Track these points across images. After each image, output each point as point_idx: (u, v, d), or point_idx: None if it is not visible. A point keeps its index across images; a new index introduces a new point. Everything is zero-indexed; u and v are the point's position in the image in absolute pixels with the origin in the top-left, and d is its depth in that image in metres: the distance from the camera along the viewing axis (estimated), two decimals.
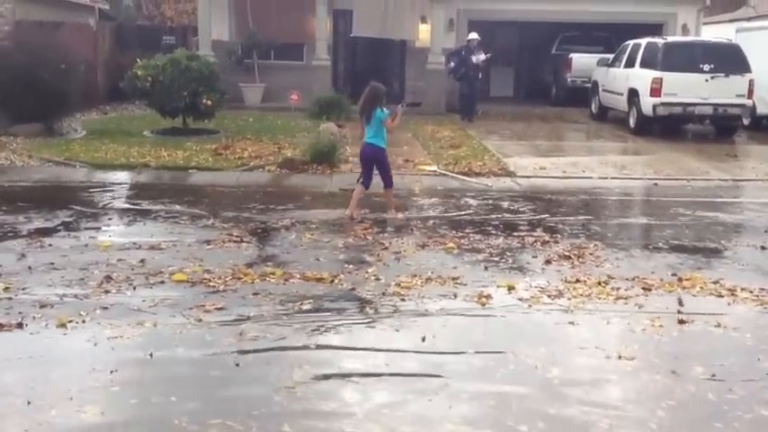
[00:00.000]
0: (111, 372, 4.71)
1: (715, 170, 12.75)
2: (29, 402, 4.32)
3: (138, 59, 15.08)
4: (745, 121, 16.97)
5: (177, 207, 9.43)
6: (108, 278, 6.46)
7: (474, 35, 18.40)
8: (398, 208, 9.26)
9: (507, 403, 4.47)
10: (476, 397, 4.53)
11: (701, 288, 6.59)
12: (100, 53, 19.94)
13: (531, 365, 4.97)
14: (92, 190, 10.62)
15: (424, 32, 20.33)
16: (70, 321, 5.48)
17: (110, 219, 8.97)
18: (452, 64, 18.28)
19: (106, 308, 5.80)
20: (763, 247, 8.01)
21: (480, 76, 18.57)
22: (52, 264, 6.85)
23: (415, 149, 13.85)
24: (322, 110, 17.14)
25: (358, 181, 9.24)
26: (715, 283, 6.70)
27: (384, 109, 8.98)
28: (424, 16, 20.19)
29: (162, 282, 6.46)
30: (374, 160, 9.08)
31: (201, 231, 8.25)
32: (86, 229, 8.33)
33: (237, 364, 4.90)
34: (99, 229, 8.40)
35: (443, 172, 11.85)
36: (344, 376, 4.76)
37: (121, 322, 5.49)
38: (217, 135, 14.71)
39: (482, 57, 17.98)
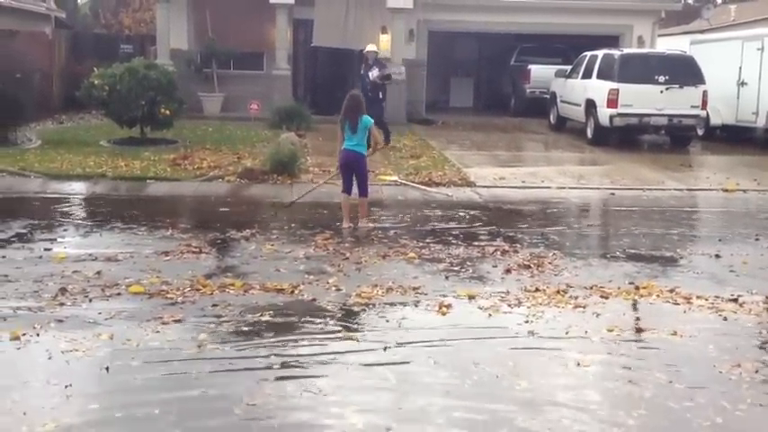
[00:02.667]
0: (66, 386, 4.61)
1: (670, 180, 12.97)
2: None
3: (95, 68, 14.88)
4: (700, 132, 17.33)
5: (134, 218, 9.30)
6: (63, 290, 6.34)
7: (370, 47, 15.61)
8: (370, 218, 9.27)
9: (475, 413, 4.47)
10: (444, 409, 4.53)
11: (658, 296, 6.68)
12: (56, 62, 19.63)
13: (493, 375, 4.98)
14: (47, 201, 10.43)
15: (384, 43, 20.38)
16: (24, 334, 5.36)
17: (65, 230, 8.81)
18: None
19: (61, 320, 5.68)
20: (717, 256, 8.16)
21: (381, 95, 15.08)
22: (6, 276, 6.70)
23: (376, 159, 13.85)
24: (282, 119, 17.07)
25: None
26: (671, 291, 6.80)
27: (369, 117, 9.16)
28: (385, 26, 20.25)
29: (118, 294, 6.35)
30: (354, 167, 9.15)
31: (159, 242, 8.15)
32: (41, 240, 8.17)
33: (196, 378, 4.83)
34: (54, 240, 8.24)
35: (404, 182, 11.87)
36: (305, 390, 4.72)
37: (77, 335, 5.39)
38: (175, 145, 14.56)
39: (375, 72, 14.91)
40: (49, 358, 5.03)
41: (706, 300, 6.59)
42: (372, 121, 9.19)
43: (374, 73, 14.90)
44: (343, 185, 9.26)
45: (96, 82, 14.19)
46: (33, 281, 6.60)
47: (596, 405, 4.63)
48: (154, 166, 12.50)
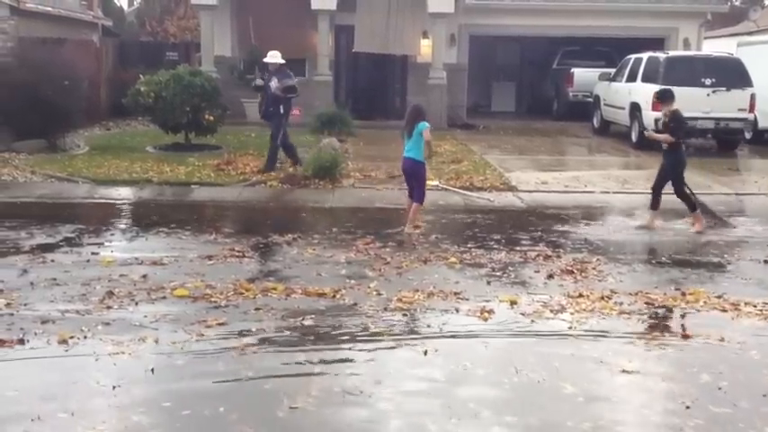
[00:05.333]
0: (114, 387, 4.70)
1: (717, 184, 12.74)
2: (32, 420, 4.30)
3: (141, 75, 15.12)
4: (747, 135, 16.99)
5: (179, 222, 9.43)
6: (110, 294, 6.45)
7: (272, 56, 13.00)
8: (417, 226, 9.22)
9: (520, 416, 4.45)
10: (491, 414, 4.51)
11: (705, 302, 6.57)
12: (103, 69, 20.00)
13: (534, 379, 4.95)
14: (94, 206, 10.63)
15: (425, 48, 20.39)
16: (72, 337, 5.47)
17: (112, 234, 8.97)
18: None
19: (108, 323, 5.79)
20: (766, 261, 7.99)
21: (282, 110, 12.74)
22: (54, 279, 6.84)
23: None
24: (324, 125, 17.18)
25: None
26: (718, 297, 6.68)
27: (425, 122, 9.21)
28: (426, 31, 20.25)
29: (164, 297, 6.45)
30: (410, 173, 9.31)
31: (203, 246, 8.25)
32: (88, 244, 8.33)
33: (240, 381, 4.88)
34: (101, 244, 8.39)
35: (445, 187, 11.85)
36: (347, 393, 4.74)
37: (123, 338, 5.48)
38: (219, 150, 14.72)
39: (274, 83, 12.65)
40: (96, 360, 5.13)
41: (754, 306, 6.47)
42: (426, 125, 9.11)
43: (273, 84, 12.76)
44: (408, 191, 9.45)
45: (142, 89, 14.41)
46: (81, 284, 6.73)
47: (642, 409, 4.57)
48: (198, 171, 12.66)
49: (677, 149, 9.59)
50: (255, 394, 4.71)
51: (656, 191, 9.76)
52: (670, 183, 9.67)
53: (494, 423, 4.40)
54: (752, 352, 5.52)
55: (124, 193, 11.43)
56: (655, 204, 9.77)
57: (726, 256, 8.42)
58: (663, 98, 9.90)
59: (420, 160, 9.22)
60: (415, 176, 9.30)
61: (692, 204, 9.64)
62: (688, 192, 9.68)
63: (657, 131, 10.08)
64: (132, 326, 5.75)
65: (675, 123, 9.57)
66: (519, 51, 25.43)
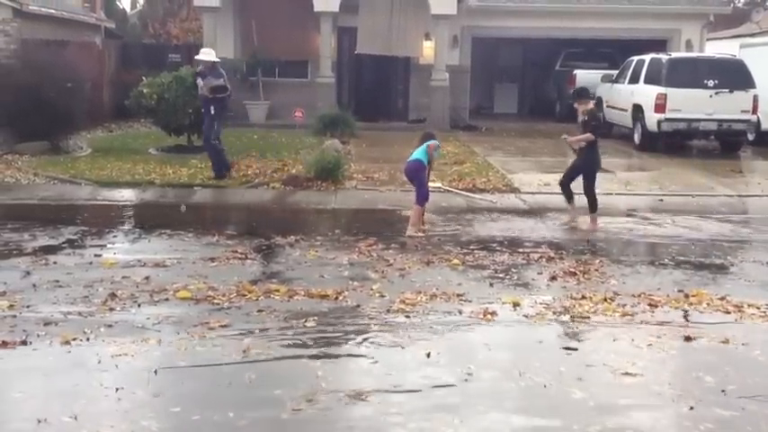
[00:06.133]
0: (117, 390, 4.69)
1: (720, 186, 12.72)
2: (38, 421, 4.29)
3: (144, 77, 15.13)
4: (750, 137, 16.98)
5: (181, 224, 9.43)
6: (112, 295, 6.45)
7: (205, 54, 12.61)
8: (421, 229, 9.14)
9: (526, 417, 4.44)
10: (497, 420, 4.50)
11: (708, 304, 6.55)
12: (106, 71, 20.03)
13: (539, 383, 4.94)
14: (97, 207, 10.64)
15: (428, 49, 20.40)
16: (74, 339, 5.46)
17: (114, 236, 8.98)
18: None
19: (110, 325, 5.78)
20: None
21: (214, 111, 12.02)
22: (57, 281, 6.84)
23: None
24: (326, 127, 17.19)
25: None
26: (722, 299, 6.67)
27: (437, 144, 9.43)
28: (428, 33, 20.26)
29: (166, 299, 6.44)
30: (409, 175, 9.37)
31: (206, 248, 8.25)
32: (91, 246, 8.33)
33: (242, 383, 4.87)
34: (104, 246, 8.40)
35: (448, 188, 11.84)
36: (349, 395, 4.73)
37: (126, 340, 5.47)
38: None
39: (199, 83, 12.20)
40: (99, 362, 5.12)
41: (758, 308, 6.45)
42: (436, 142, 9.30)
43: (200, 83, 12.20)
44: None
45: (145, 91, 14.43)
46: (84, 286, 6.72)
47: (647, 411, 4.55)
48: (201, 173, 12.66)
49: (593, 148, 9.68)
50: (261, 397, 4.69)
51: (565, 186, 9.86)
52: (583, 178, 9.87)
53: (500, 424, 4.39)
54: (756, 353, 5.51)
55: (127, 195, 11.44)
56: (570, 198, 9.92)
57: (729, 257, 8.40)
58: (580, 97, 10.00)
59: (421, 160, 9.20)
60: (414, 175, 9.26)
61: (595, 206, 9.78)
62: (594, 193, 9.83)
63: (581, 127, 10.08)
64: (135, 328, 5.75)
65: (596, 122, 9.77)
66: (521, 53, 25.44)
